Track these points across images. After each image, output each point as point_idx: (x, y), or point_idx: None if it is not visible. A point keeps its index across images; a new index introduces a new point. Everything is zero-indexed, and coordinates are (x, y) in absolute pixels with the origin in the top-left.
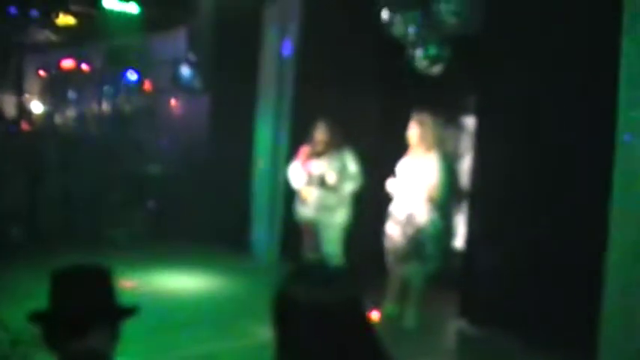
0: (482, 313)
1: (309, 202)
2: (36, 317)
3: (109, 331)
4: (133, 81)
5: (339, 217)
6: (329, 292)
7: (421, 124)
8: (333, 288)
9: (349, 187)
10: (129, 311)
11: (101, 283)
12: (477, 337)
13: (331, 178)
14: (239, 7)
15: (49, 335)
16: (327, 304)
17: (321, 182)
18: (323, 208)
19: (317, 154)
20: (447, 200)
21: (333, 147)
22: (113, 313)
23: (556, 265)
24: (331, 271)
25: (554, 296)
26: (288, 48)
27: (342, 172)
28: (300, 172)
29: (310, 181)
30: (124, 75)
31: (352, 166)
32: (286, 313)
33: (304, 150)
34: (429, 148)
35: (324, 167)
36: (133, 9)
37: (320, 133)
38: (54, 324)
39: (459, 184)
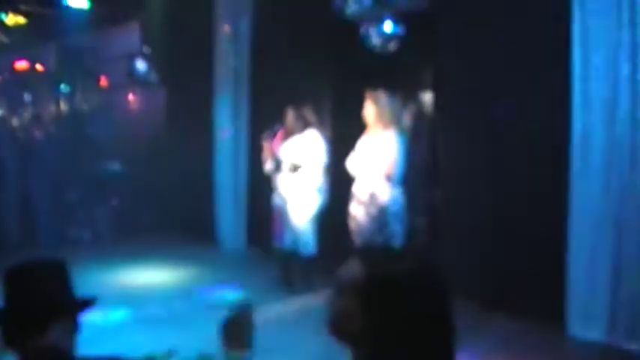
0: (449, 282)
1: (280, 188)
2: None
3: (68, 325)
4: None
5: (310, 202)
6: (415, 263)
7: (376, 102)
8: (414, 259)
9: (315, 169)
10: (88, 303)
11: (57, 276)
12: None
13: (295, 161)
14: None
15: (9, 333)
16: (421, 275)
17: (290, 169)
18: (293, 193)
19: (286, 139)
20: (404, 176)
21: (298, 130)
22: (72, 306)
23: (518, 233)
24: (392, 247)
25: (518, 264)
26: (241, 34)
27: (308, 153)
28: (267, 157)
29: (279, 166)
30: (79, 73)
31: (316, 144)
32: (384, 295)
33: (279, 135)
34: (386, 126)
35: (290, 151)
36: (84, 5)
37: (287, 119)
38: (12, 322)
39: (418, 160)
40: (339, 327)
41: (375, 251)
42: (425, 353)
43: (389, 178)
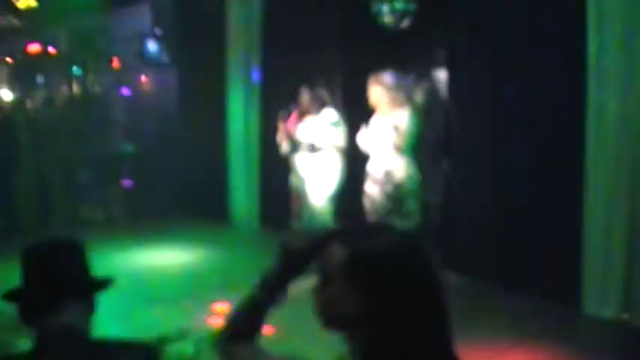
0: (465, 262)
1: (297, 168)
2: (10, 295)
3: (84, 304)
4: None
5: (327, 184)
6: (395, 237)
7: (380, 83)
8: (392, 232)
9: (333, 148)
10: (104, 283)
11: (74, 256)
12: (460, 286)
13: (314, 141)
14: None
15: (25, 312)
16: (404, 246)
17: (307, 149)
18: (311, 173)
19: (301, 120)
20: (415, 150)
21: (313, 111)
22: (88, 286)
23: (532, 210)
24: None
25: (532, 242)
26: (253, 12)
27: (324, 135)
28: (283, 138)
29: (296, 146)
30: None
31: (333, 126)
32: (373, 271)
33: (294, 115)
34: (395, 106)
35: (306, 132)
36: None
37: (302, 99)
38: (28, 300)
39: (431, 137)
40: (332, 315)
41: (353, 231)
42: (422, 323)
43: (398, 148)
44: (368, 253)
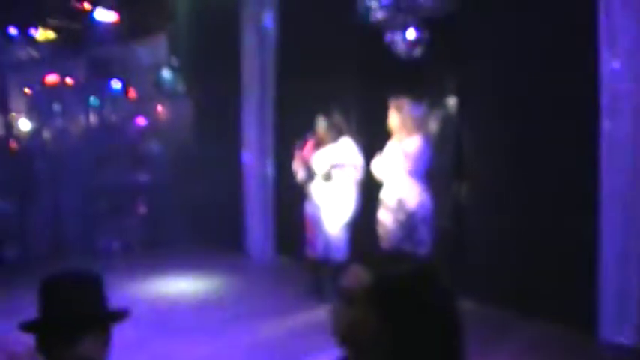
0: (479, 288)
1: (312, 196)
2: (27, 326)
3: (100, 336)
4: (117, 90)
5: (343, 212)
6: (417, 264)
7: (399, 109)
8: (414, 259)
9: (351, 177)
10: (120, 315)
11: (90, 288)
12: (475, 312)
13: (328, 170)
14: (216, 8)
15: (42, 344)
16: (426, 274)
17: (324, 177)
18: (326, 202)
19: (318, 149)
20: (427, 175)
21: (331, 139)
22: (104, 318)
23: (547, 235)
24: (388, 250)
25: (547, 267)
26: (267, 41)
27: (341, 163)
28: (299, 166)
29: (312, 175)
30: (108, 85)
31: (351, 154)
32: (396, 297)
33: (309, 143)
34: (410, 133)
35: (323, 160)
36: (112, 18)
37: (319, 128)
38: (45, 332)
39: (444, 164)
40: (351, 336)
41: (373, 255)
42: (436, 352)
43: (410, 173)
44: (393, 278)
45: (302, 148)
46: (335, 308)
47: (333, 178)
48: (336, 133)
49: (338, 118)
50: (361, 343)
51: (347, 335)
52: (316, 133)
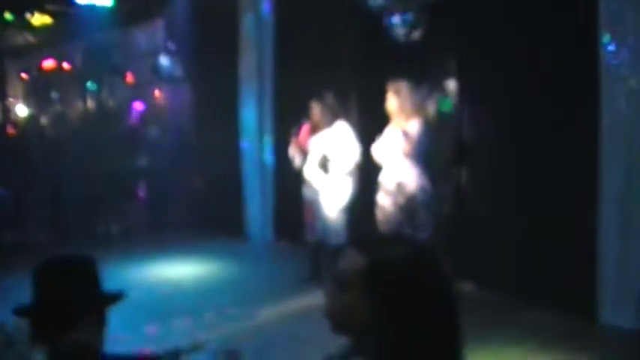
0: (480, 273)
1: (310, 181)
2: (21, 311)
3: (96, 320)
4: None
5: (341, 196)
6: (412, 247)
7: (397, 93)
8: (409, 242)
9: (347, 161)
10: (115, 298)
11: (85, 272)
12: (475, 297)
13: (323, 159)
14: None
15: (37, 329)
16: (420, 257)
17: (321, 162)
18: (324, 187)
19: (314, 134)
20: (426, 159)
21: (326, 124)
22: (99, 302)
23: (547, 220)
24: (382, 233)
25: (547, 251)
26: (265, 26)
27: (337, 148)
28: (296, 152)
29: (308, 160)
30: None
31: (346, 138)
32: (389, 281)
33: (305, 128)
34: (408, 116)
35: (319, 145)
36: (108, 2)
37: (313, 113)
38: (41, 318)
39: (444, 149)
40: (344, 320)
41: (369, 239)
42: (435, 334)
43: (407, 155)
44: (387, 262)
45: (298, 133)
46: (328, 292)
47: (328, 168)
48: (331, 117)
49: (332, 101)
50: (355, 329)
51: (340, 320)
52: (311, 118)
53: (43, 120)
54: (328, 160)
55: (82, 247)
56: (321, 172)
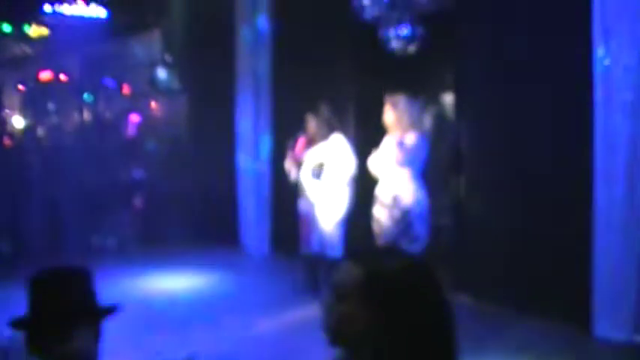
0: (476, 285)
1: (306, 193)
2: (17, 323)
3: (91, 331)
4: (111, 87)
5: (337, 209)
6: (408, 259)
7: (394, 106)
8: (405, 255)
9: (342, 173)
10: (109, 310)
11: (81, 284)
12: (471, 309)
13: (317, 169)
14: (211, 4)
15: (33, 340)
16: (417, 269)
17: (316, 173)
18: (319, 199)
19: (310, 146)
20: (423, 171)
21: (321, 137)
22: (94, 313)
23: (544, 234)
24: (379, 246)
25: (543, 263)
26: (262, 39)
27: (333, 160)
28: (292, 166)
29: (304, 172)
30: (102, 82)
31: (342, 151)
32: (386, 293)
33: (301, 141)
34: (405, 130)
35: (315, 158)
36: (103, 14)
37: (309, 126)
38: (36, 329)
39: (441, 161)
40: (341, 332)
41: (367, 252)
42: (430, 345)
43: (405, 168)
44: (384, 273)
45: (294, 146)
46: (326, 305)
47: (322, 178)
48: (327, 130)
49: (328, 113)
50: (352, 340)
51: (338, 332)
52: (307, 131)
53: (40, 131)
54: (322, 167)
55: (77, 258)
56: (314, 180)
